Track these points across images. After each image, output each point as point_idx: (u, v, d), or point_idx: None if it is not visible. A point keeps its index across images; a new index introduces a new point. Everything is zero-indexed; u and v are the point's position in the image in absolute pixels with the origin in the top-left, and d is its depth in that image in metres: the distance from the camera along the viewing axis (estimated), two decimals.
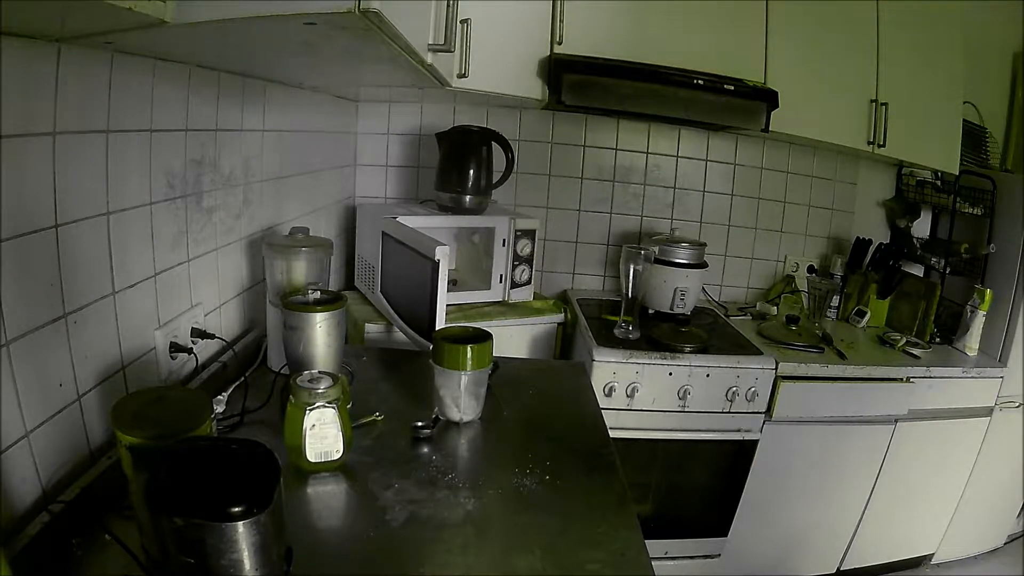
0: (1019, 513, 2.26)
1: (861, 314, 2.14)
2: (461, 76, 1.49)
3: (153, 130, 0.93)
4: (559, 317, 1.85)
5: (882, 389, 1.79)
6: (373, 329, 1.64)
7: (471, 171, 1.82)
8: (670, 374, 1.68)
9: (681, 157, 2.22)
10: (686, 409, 1.70)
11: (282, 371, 1.14)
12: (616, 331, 1.77)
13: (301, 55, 0.95)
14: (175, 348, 1.02)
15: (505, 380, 1.26)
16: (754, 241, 2.32)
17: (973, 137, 2.20)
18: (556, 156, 2.17)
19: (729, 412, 1.72)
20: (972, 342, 1.97)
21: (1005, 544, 2.30)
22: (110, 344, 0.87)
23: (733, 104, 1.79)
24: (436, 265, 1.27)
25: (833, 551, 1.99)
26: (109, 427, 0.84)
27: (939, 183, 2.24)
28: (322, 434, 0.87)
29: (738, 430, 1.74)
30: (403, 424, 1.05)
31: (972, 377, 1.90)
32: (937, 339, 2.05)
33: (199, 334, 1.08)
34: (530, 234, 1.84)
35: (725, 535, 1.85)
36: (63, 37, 0.70)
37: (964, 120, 2.07)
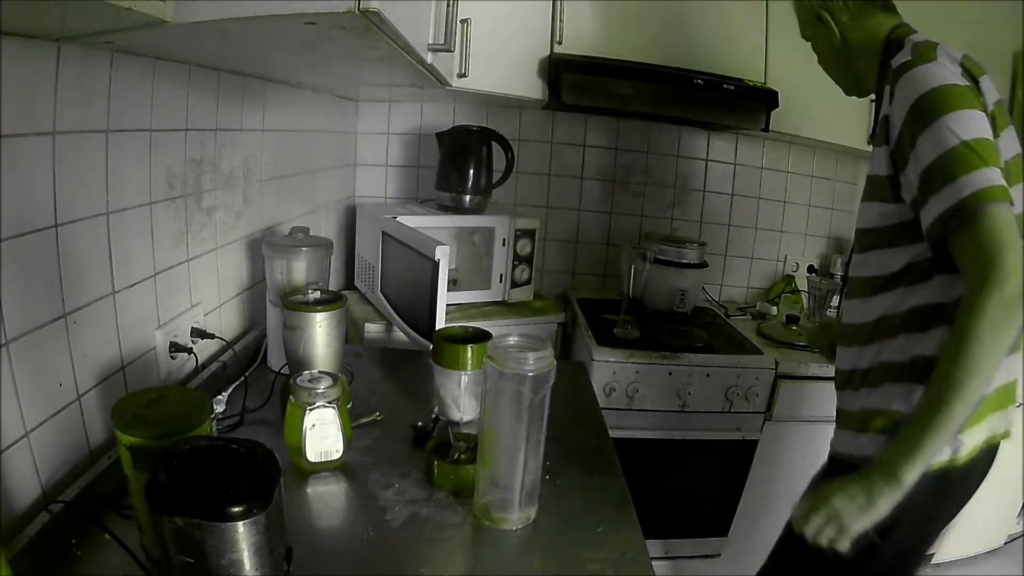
0: (1019, 513, 2.26)
1: None
2: (461, 76, 1.49)
3: (153, 130, 0.93)
4: (559, 317, 1.85)
5: None
6: (373, 329, 1.64)
7: (471, 171, 1.82)
8: (670, 374, 1.68)
9: (681, 157, 2.22)
10: (686, 409, 1.70)
11: (282, 371, 1.14)
12: (616, 331, 1.77)
13: (301, 55, 0.95)
14: (175, 348, 1.02)
15: None
16: (754, 241, 2.32)
17: None
18: (556, 156, 2.17)
19: (729, 412, 1.72)
20: None
21: (1005, 544, 2.29)
22: (110, 344, 0.87)
23: (733, 104, 1.79)
24: (436, 265, 1.27)
25: None
26: (109, 427, 0.84)
27: None
28: (322, 434, 0.87)
29: (738, 430, 1.74)
30: (403, 424, 1.05)
31: None
32: None
33: (199, 334, 1.08)
34: (530, 234, 1.84)
35: (725, 535, 1.85)
36: (63, 37, 0.70)
37: None
